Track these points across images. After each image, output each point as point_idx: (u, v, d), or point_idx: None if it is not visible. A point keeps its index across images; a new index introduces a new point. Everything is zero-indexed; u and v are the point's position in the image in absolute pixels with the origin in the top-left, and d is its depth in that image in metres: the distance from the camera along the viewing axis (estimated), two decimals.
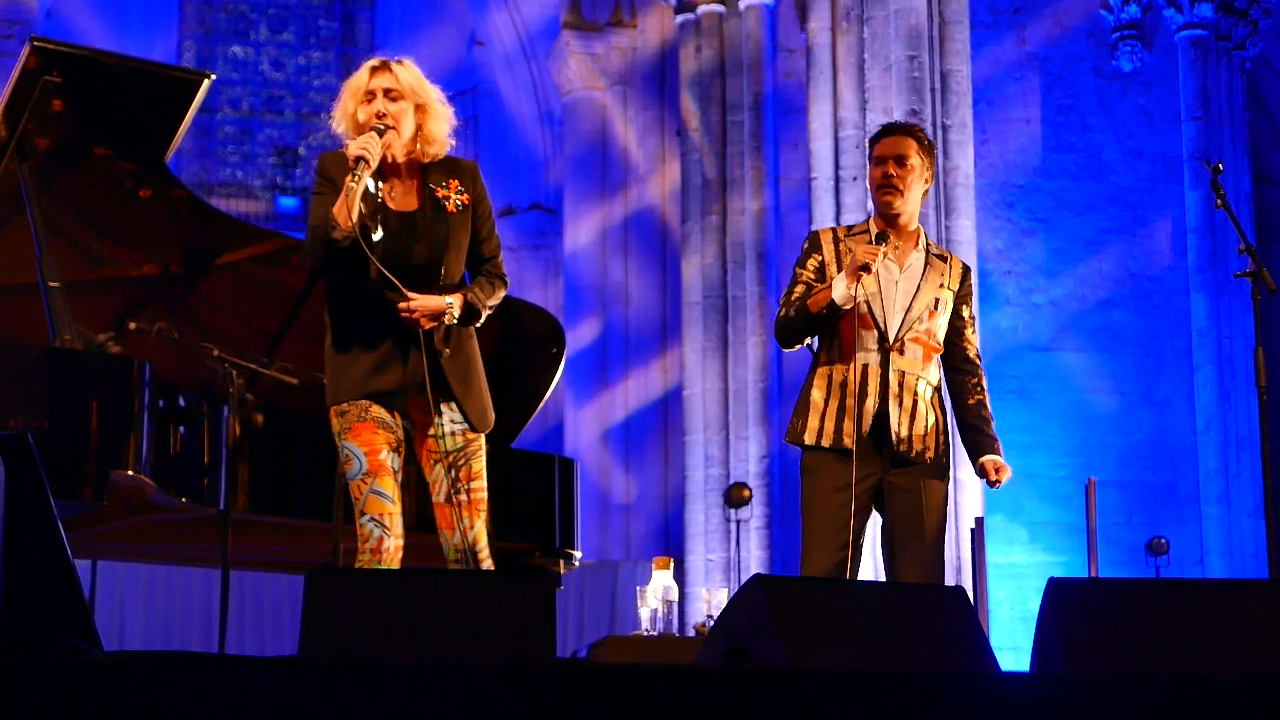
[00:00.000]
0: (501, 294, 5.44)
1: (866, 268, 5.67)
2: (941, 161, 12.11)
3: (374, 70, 5.29)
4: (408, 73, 5.29)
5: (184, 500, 6.31)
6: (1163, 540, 13.19)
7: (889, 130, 6.03)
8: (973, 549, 10.00)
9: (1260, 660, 4.11)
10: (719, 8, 14.83)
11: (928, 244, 6.00)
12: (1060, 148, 14.36)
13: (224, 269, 7.04)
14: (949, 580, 11.05)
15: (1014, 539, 13.55)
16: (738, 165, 14.61)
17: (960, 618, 4.21)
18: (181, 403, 6.29)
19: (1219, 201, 6.58)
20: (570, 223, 18.23)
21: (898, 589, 5.19)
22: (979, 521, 10.15)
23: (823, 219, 12.33)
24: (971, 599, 5.28)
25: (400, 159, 5.30)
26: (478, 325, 5.34)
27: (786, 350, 6.15)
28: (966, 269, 6.05)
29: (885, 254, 5.75)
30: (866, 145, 6.16)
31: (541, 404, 7.71)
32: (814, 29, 12.68)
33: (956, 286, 5.95)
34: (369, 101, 5.24)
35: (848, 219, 12.08)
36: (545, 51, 19.16)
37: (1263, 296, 6.62)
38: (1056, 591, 4.20)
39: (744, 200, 14.54)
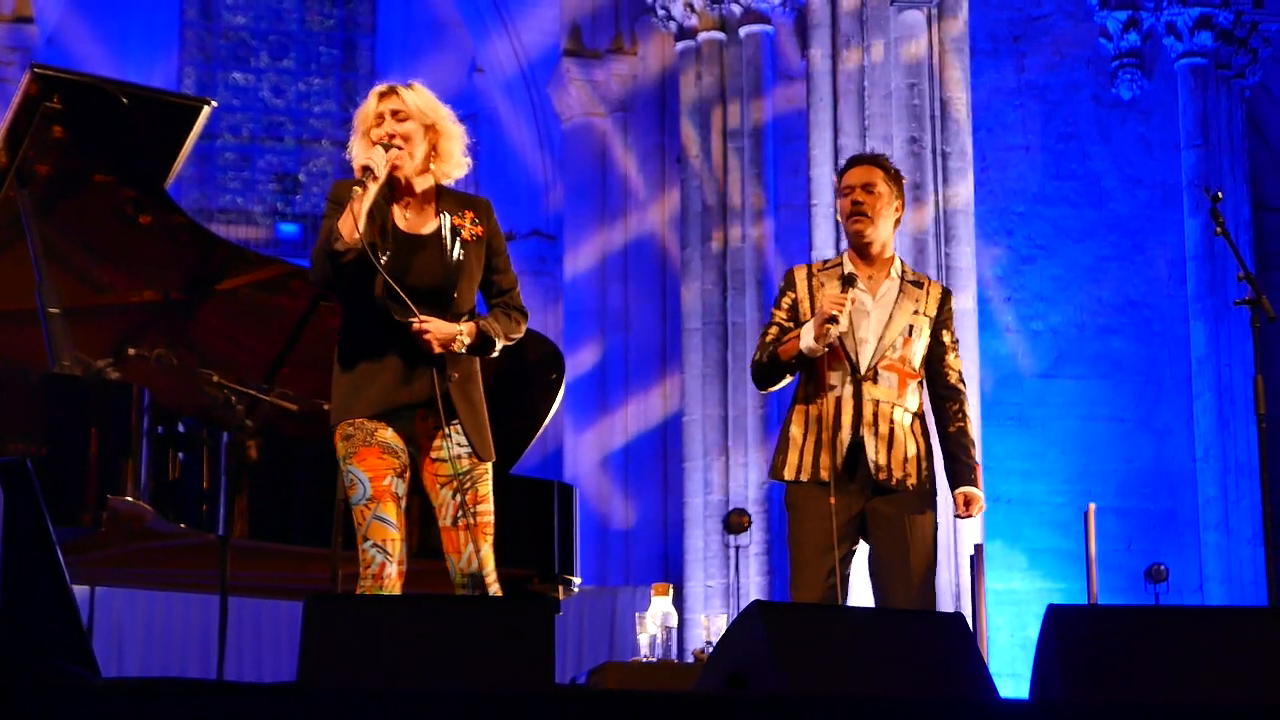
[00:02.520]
0: (522, 327, 5.44)
1: (834, 319, 5.68)
2: (941, 189, 12.12)
3: (381, 95, 5.30)
4: (415, 95, 5.30)
5: (183, 526, 6.30)
6: (1162, 567, 13.17)
7: (855, 161, 6.06)
8: (972, 575, 9.99)
9: (1260, 688, 4.10)
10: (719, 35, 14.85)
11: (903, 270, 6.00)
12: (1060, 175, 14.38)
13: (224, 295, 7.03)
14: (948, 606, 11.06)
15: (1013, 565, 13.54)
16: (738, 192, 14.62)
17: (959, 644, 4.20)
18: (181, 429, 6.28)
19: (1218, 229, 6.59)
20: (570, 249, 18.24)
21: (897, 616, 5.19)
22: (978, 548, 10.14)
23: (823, 245, 12.34)
24: (970, 625, 5.28)
25: (415, 181, 5.31)
26: (493, 356, 5.33)
27: (763, 393, 6.17)
28: (946, 293, 6.03)
29: (852, 301, 5.75)
30: (836, 178, 6.15)
31: (541, 430, 7.71)
32: (814, 56, 12.70)
33: (934, 312, 5.93)
34: (378, 125, 5.26)
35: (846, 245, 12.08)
36: (545, 78, 19.19)
37: (1262, 324, 6.62)
38: (1056, 618, 4.19)
39: (744, 227, 14.55)
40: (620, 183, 17.75)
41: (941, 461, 5.99)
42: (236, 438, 6.47)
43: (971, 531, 11.46)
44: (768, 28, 14.92)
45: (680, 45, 15.12)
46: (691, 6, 14.90)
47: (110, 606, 13.82)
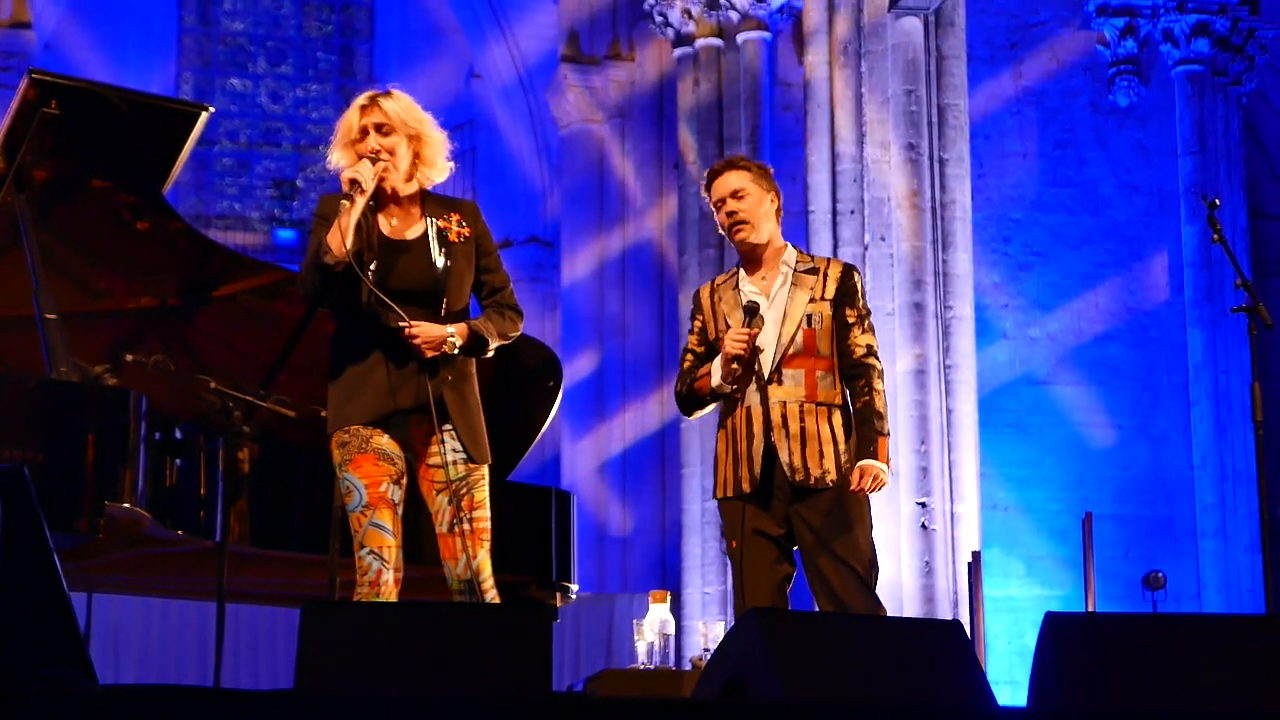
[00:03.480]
0: (517, 325, 5.43)
1: (739, 359, 5.65)
2: (938, 195, 12.12)
3: (363, 108, 5.31)
4: (396, 104, 5.30)
5: (180, 533, 6.30)
6: (1159, 574, 13.17)
7: (715, 173, 5.94)
8: (970, 582, 9.99)
9: (1258, 695, 4.10)
10: (717, 41, 14.86)
11: (796, 260, 5.92)
12: (1057, 182, 14.38)
13: (221, 301, 7.03)
14: (946, 614, 11.06)
15: (1011, 572, 13.53)
16: None
17: (957, 651, 4.20)
18: (178, 435, 6.28)
19: (1215, 236, 6.59)
20: (568, 255, 18.24)
21: (895, 623, 5.19)
22: (975, 555, 10.15)
23: (820, 252, 12.33)
24: (968, 633, 5.27)
25: (400, 189, 5.32)
26: (488, 355, 5.34)
27: (690, 419, 6.13)
28: (847, 269, 5.89)
29: (756, 333, 5.70)
30: (703, 193, 6.06)
31: (538, 437, 7.70)
32: (812, 63, 12.70)
33: (832, 293, 5.83)
34: (362, 139, 5.26)
35: (844, 253, 12.09)
36: (543, 85, 19.19)
37: (1259, 331, 6.62)
38: (1053, 626, 4.19)
39: None
40: (618, 189, 17.75)
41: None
42: (233, 444, 6.47)
43: (969, 539, 11.46)
44: (765, 35, 14.92)
45: (678, 52, 15.13)
46: (689, 13, 14.91)
47: (107, 613, 13.81)
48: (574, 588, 7.58)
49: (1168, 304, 14.37)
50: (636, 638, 8.43)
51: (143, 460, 6.04)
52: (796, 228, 13.56)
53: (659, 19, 15.22)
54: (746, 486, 5.67)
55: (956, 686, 4.11)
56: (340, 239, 5.09)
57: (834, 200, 12.45)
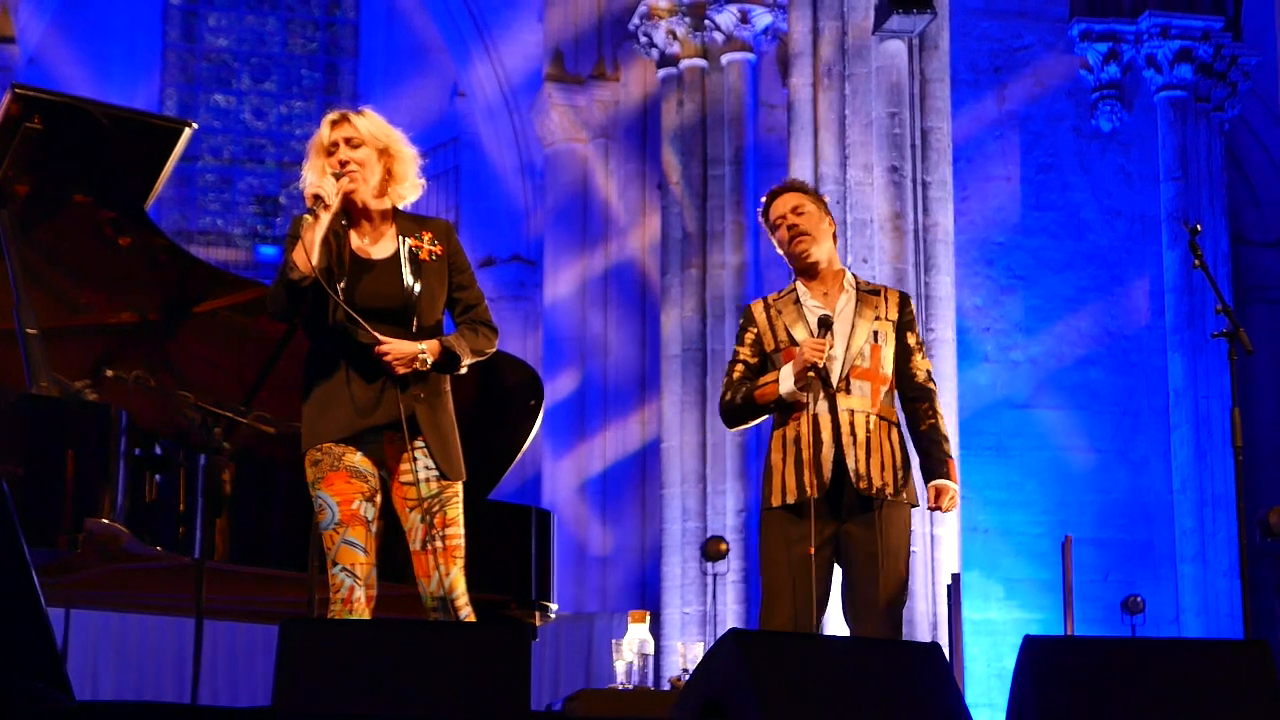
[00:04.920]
0: (491, 341, 5.43)
1: (815, 367, 5.70)
2: (921, 218, 12.14)
3: (334, 124, 5.33)
4: (367, 121, 5.33)
5: (159, 549, 6.27)
6: (1138, 599, 13.20)
7: (774, 194, 6.07)
8: (949, 604, 10.00)
9: (1235, 719, 4.11)
10: (701, 62, 14.89)
11: (856, 281, 6.02)
12: (1040, 206, 14.42)
13: (202, 317, 7.01)
14: (925, 636, 11.06)
15: (990, 595, 13.54)
16: (718, 219, 14.65)
17: (936, 674, 4.20)
18: (158, 451, 6.26)
19: (1197, 262, 6.60)
20: (550, 274, 18.24)
21: (873, 645, 5.19)
22: (955, 577, 10.15)
23: None
24: (947, 655, 5.28)
25: (371, 205, 5.32)
26: (460, 373, 5.33)
27: (732, 430, 6.17)
28: (905, 297, 6.06)
29: (831, 345, 5.76)
30: (761, 221, 6.15)
31: (519, 455, 7.69)
32: (796, 84, 12.72)
33: (896, 316, 5.96)
34: (332, 154, 5.28)
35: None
36: (527, 103, 19.21)
37: (1240, 357, 6.64)
38: (1032, 649, 4.20)
39: (724, 254, 14.57)
40: (601, 209, 17.76)
41: (917, 468, 5.98)
42: (213, 460, 6.45)
43: (949, 561, 11.46)
44: (750, 56, 14.96)
45: (662, 72, 15.16)
46: (674, 34, 14.94)
47: (85, 629, 13.77)
48: (553, 607, 7.57)
49: (1149, 328, 14.41)
50: (615, 657, 8.42)
51: (122, 476, 6.02)
52: None
53: (644, 39, 15.25)
54: (812, 492, 5.69)
55: (935, 709, 4.11)
56: (306, 256, 5.08)
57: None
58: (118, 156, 6.52)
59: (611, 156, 17.75)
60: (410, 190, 5.39)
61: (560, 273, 17.98)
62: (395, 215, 5.39)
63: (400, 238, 5.33)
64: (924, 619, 11.37)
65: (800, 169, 12.63)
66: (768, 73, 15.10)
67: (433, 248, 5.34)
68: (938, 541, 11.48)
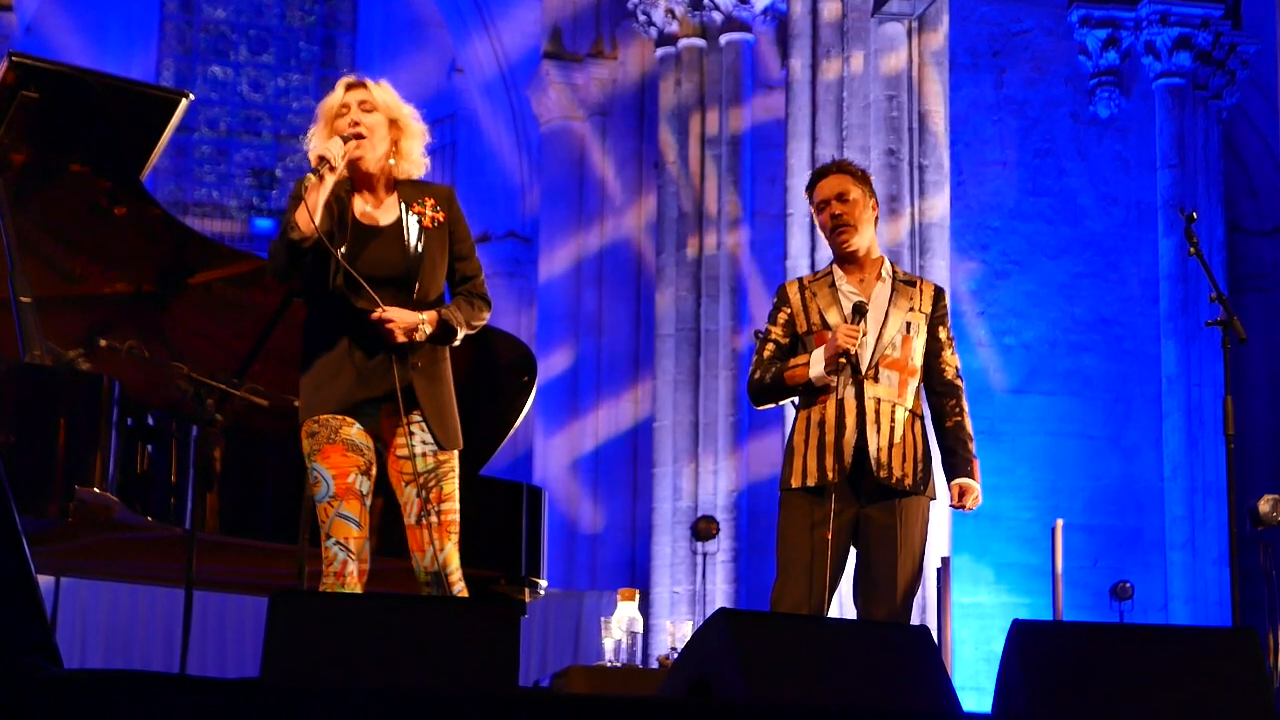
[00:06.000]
0: (485, 314, 5.42)
1: (847, 354, 5.70)
2: (917, 201, 12.14)
3: (350, 86, 5.33)
4: (382, 90, 5.34)
5: (149, 519, 6.28)
6: (1127, 585, 13.21)
7: (822, 173, 6.05)
8: (938, 588, 10.01)
9: (1221, 708, 4.11)
10: (700, 42, 14.88)
11: (893, 271, 6.01)
12: (1036, 191, 14.42)
13: (197, 289, 7.01)
14: (914, 619, 11.07)
15: (980, 579, 13.56)
16: (714, 199, 14.65)
17: (924, 657, 4.21)
18: (150, 421, 6.26)
19: (1192, 249, 6.60)
20: (545, 252, 18.24)
21: (862, 627, 5.19)
22: (945, 561, 10.16)
23: (798, 255, 12.35)
24: (936, 638, 5.28)
25: (375, 172, 5.31)
26: (454, 345, 5.33)
27: (758, 409, 6.17)
28: (939, 291, 6.05)
29: (864, 333, 5.76)
30: (805, 194, 6.16)
31: (511, 432, 7.70)
32: (794, 66, 12.71)
33: (930, 309, 5.95)
34: (343, 115, 5.27)
35: (823, 255, 12.09)
36: (525, 81, 19.19)
37: (1233, 345, 6.64)
38: (1020, 633, 4.20)
39: (719, 234, 14.57)
40: (597, 187, 17.76)
41: (938, 462, 5.99)
42: (206, 432, 6.45)
43: (939, 545, 11.47)
44: (748, 36, 14.95)
45: (660, 51, 15.15)
46: (673, 13, 14.92)
47: (75, 598, 13.78)
48: (543, 583, 7.58)
49: (1143, 315, 14.41)
50: (604, 635, 8.44)
51: (114, 446, 6.02)
52: (775, 230, 13.59)
53: (642, 18, 15.23)
54: (832, 475, 5.70)
55: (922, 691, 4.11)
56: (309, 216, 5.07)
57: None
58: (114, 127, 6.51)
59: (608, 135, 17.74)
60: (415, 168, 5.38)
61: (555, 250, 17.98)
62: (398, 184, 5.38)
63: (402, 205, 5.32)
64: (915, 602, 11.37)
65: (797, 150, 12.63)
66: (766, 53, 15.09)
67: (435, 214, 5.34)
68: (929, 522, 11.48)
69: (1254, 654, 4.27)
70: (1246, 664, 4.24)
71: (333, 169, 5.14)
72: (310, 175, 5.15)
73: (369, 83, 5.34)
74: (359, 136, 5.22)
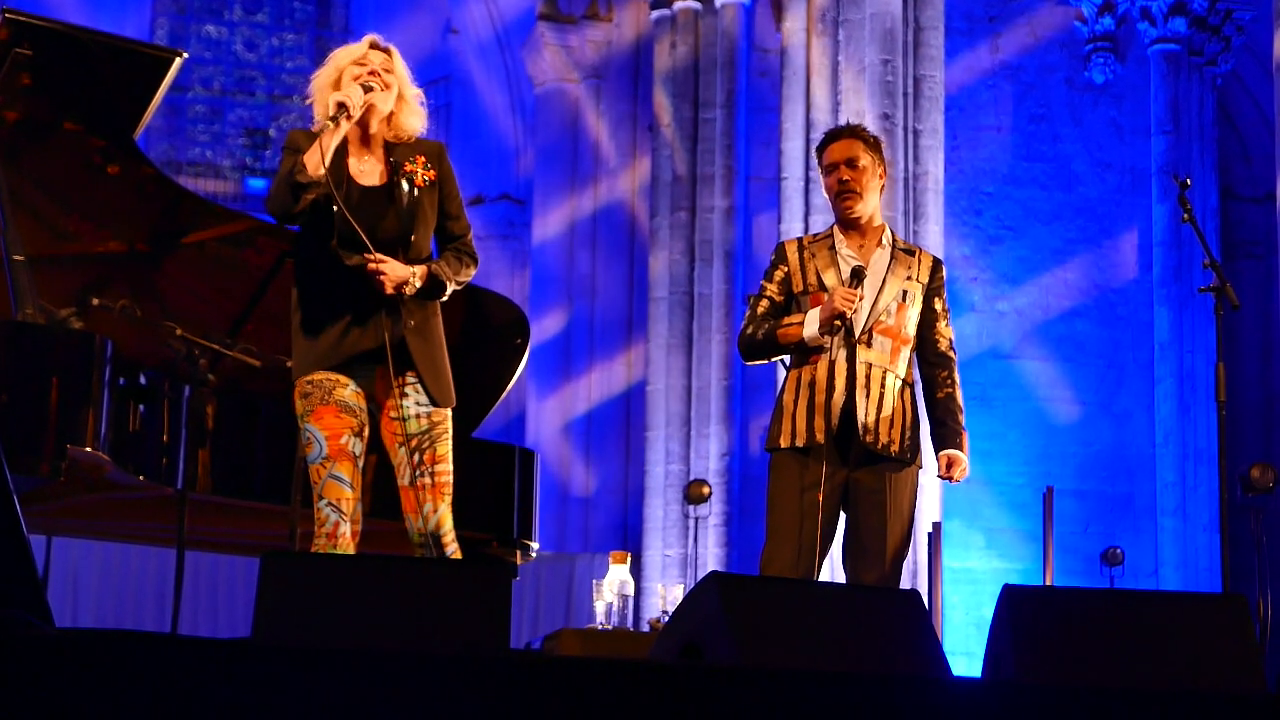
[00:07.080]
0: (471, 271, 5.43)
1: (842, 316, 5.69)
2: (911, 166, 12.13)
3: (374, 46, 5.34)
4: (399, 64, 5.35)
5: (141, 479, 6.28)
6: (1118, 550, 13.24)
7: (834, 135, 6.04)
8: (929, 553, 10.03)
9: (1211, 673, 4.13)
10: (695, 4, 14.83)
11: (893, 239, 6.01)
12: (1030, 157, 14.41)
13: (190, 248, 7.00)
14: (905, 584, 11.08)
15: (970, 544, 13.59)
16: (708, 162, 14.62)
17: (914, 621, 4.22)
18: (142, 381, 6.26)
19: (1185, 216, 6.60)
20: (539, 214, 18.21)
21: (853, 591, 5.21)
22: (936, 526, 10.17)
23: (792, 219, 12.34)
24: (926, 603, 5.29)
25: (374, 133, 5.32)
26: (443, 300, 5.33)
27: (748, 364, 6.17)
28: (937, 262, 6.05)
29: (861, 297, 5.76)
30: (815, 154, 6.16)
31: (504, 394, 7.70)
32: (789, 29, 12.68)
33: (927, 279, 5.96)
34: (363, 66, 5.28)
35: (816, 219, 12.09)
36: (520, 42, 19.13)
37: (1226, 312, 6.64)
38: (1011, 598, 4.21)
39: (713, 198, 14.55)
40: (591, 150, 17.73)
41: (927, 432, 6.00)
42: (198, 392, 6.45)
43: (930, 509, 11.49)
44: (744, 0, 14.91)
45: (656, 14, 15.10)
46: None
47: (66, 557, 13.77)
48: (535, 546, 7.58)
49: (1136, 282, 14.42)
50: (595, 598, 8.45)
51: (106, 405, 6.02)
52: (769, 194, 13.58)
53: None
54: (820, 437, 5.70)
55: (912, 655, 4.12)
56: (319, 159, 5.07)
57: (807, 167, 12.45)
58: (108, 85, 6.49)
59: (603, 97, 17.70)
60: (406, 135, 5.39)
61: (549, 213, 17.95)
62: (390, 144, 5.39)
63: (394, 163, 5.32)
64: (904, 566, 11.39)
65: (792, 114, 12.61)
66: (762, 16, 15.05)
67: (426, 172, 5.34)
68: (920, 490, 11.50)
69: (1243, 620, 4.28)
70: (1236, 630, 4.25)
71: (350, 116, 5.15)
72: (329, 120, 5.14)
73: (394, 51, 5.35)
74: (377, 89, 5.23)
